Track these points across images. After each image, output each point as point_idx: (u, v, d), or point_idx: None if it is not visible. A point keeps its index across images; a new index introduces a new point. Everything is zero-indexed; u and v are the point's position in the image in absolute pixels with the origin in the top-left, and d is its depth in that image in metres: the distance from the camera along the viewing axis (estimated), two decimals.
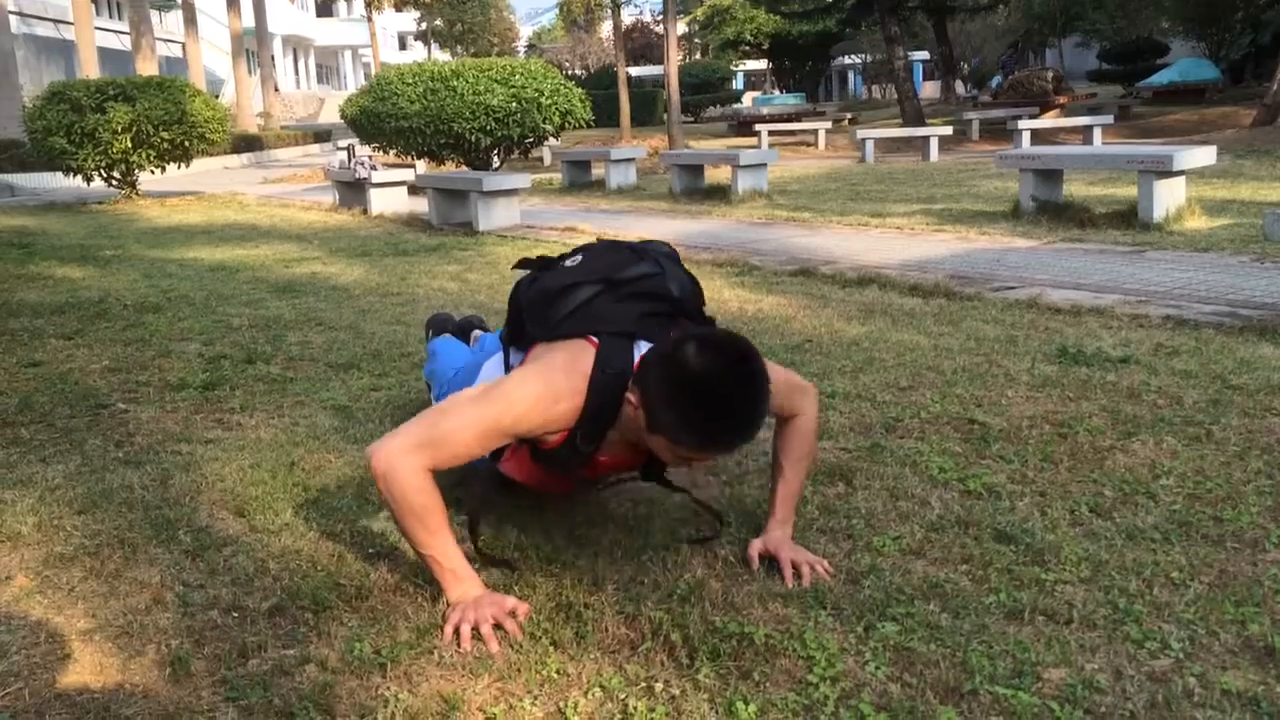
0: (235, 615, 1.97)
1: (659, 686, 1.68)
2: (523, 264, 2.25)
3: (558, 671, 1.74)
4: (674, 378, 1.79)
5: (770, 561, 2.10)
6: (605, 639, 1.84)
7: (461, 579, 1.94)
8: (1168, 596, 1.94)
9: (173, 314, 5.19)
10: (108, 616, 1.98)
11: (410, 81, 12.76)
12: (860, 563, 2.12)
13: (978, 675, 1.68)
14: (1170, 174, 7.05)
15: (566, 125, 13.39)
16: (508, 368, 2.22)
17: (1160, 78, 25.39)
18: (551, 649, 1.81)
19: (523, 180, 9.17)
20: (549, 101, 12.72)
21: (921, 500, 2.45)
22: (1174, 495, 2.43)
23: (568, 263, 2.17)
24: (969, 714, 1.59)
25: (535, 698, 1.67)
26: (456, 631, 1.85)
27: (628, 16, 44.63)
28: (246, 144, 25.28)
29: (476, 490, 2.31)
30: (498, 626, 1.86)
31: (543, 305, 2.09)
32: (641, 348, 1.98)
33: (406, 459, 1.88)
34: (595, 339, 1.98)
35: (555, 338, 2.03)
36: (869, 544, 2.21)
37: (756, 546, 2.13)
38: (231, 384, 3.76)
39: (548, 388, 1.92)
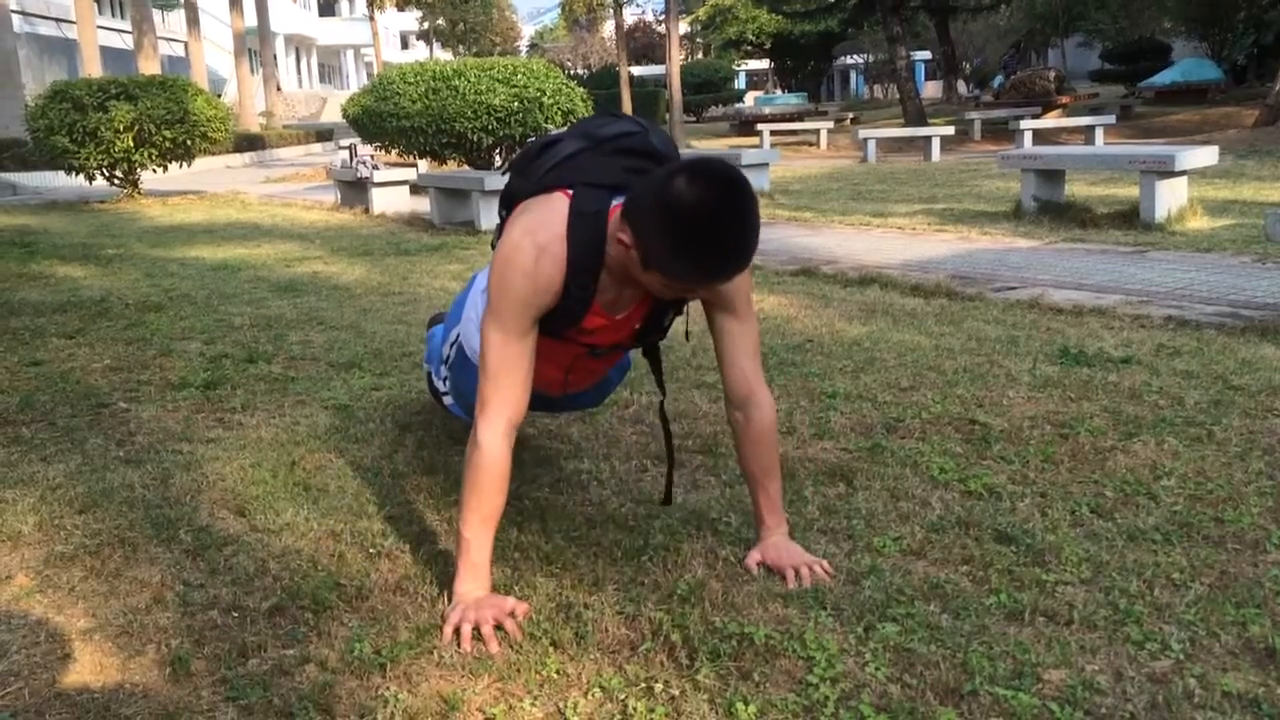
0: (235, 615, 1.97)
1: (659, 687, 1.68)
2: (509, 168, 2.25)
3: (557, 672, 1.74)
4: (666, 209, 1.76)
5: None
6: (605, 639, 1.84)
7: (476, 576, 1.94)
8: (1168, 598, 1.93)
9: (174, 313, 5.20)
10: (108, 616, 1.97)
11: (412, 81, 12.74)
12: (860, 563, 2.12)
13: (978, 676, 1.68)
14: (1172, 174, 7.05)
15: (569, 124, 13.39)
16: None
17: (1162, 78, 25.36)
18: (551, 649, 1.81)
19: None
20: (551, 101, 12.70)
21: (922, 501, 2.45)
22: (1175, 496, 2.42)
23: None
24: (969, 715, 1.59)
25: (535, 698, 1.67)
26: (456, 631, 1.85)
27: (630, 16, 44.75)
28: (249, 143, 25.28)
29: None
30: (498, 627, 1.86)
31: (526, 160, 2.07)
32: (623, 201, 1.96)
33: (487, 425, 1.93)
34: (570, 191, 1.96)
35: (536, 192, 2.01)
36: (869, 544, 2.21)
37: (755, 557, 2.12)
38: (233, 383, 3.76)
39: (526, 251, 1.90)
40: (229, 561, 2.21)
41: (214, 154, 19.40)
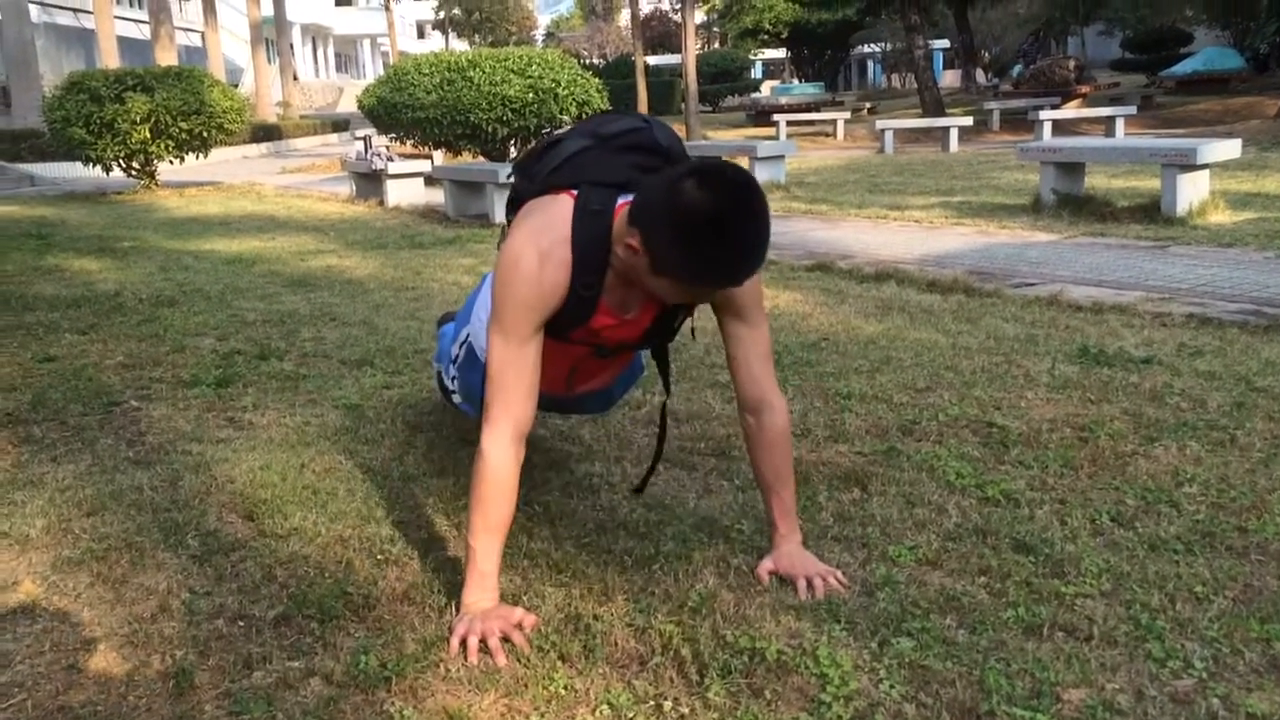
0: (241, 624, 1.95)
1: (668, 705, 1.65)
2: (518, 166, 2.23)
3: (565, 687, 1.71)
4: (677, 212, 1.73)
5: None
6: (614, 653, 1.80)
7: (484, 586, 1.92)
8: (1191, 612, 1.89)
9: (188, 308, 5.19)
10: (113, 625, 1.96)
11: (427, 72, 12.72)
12: (875, 574, 2.08)
13: (995, 695, 1.64)
14: (1194, 167, 6.96)
15: (584, 115, 13.33)
16: None
17: (1184, 67, 25.09)
18: (559, 663, 1.78)
19: None
20: (566, 92, 12.65)
21: (938, 507, 2.41)
22: (1197, 504, 2.37)
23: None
24: None
25: (542, 715, 1.64)
26: (463, 643, 1.82)
27: (646, 5, 44.51)
28: (265, 133, 25.31)
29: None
30: (505, 639, 1.83)
31: (531, 161, 2.05)
32: (629, 199, 1.93)
33: (491, 433, 1.90)
34: (575, 191, 1.94)
35: (541, 192, 1.99)
36: (884, 553, 2.17)
37: (766, 565, 2.08)
38: (244, 381, 3.74)
39: (529, 258, 1.88)
40: (236, 568, 2.19)
41: (230, 144, 19.43)
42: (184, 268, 6.66)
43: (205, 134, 13.50)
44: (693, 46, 19.15)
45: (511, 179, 2.20)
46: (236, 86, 18.30)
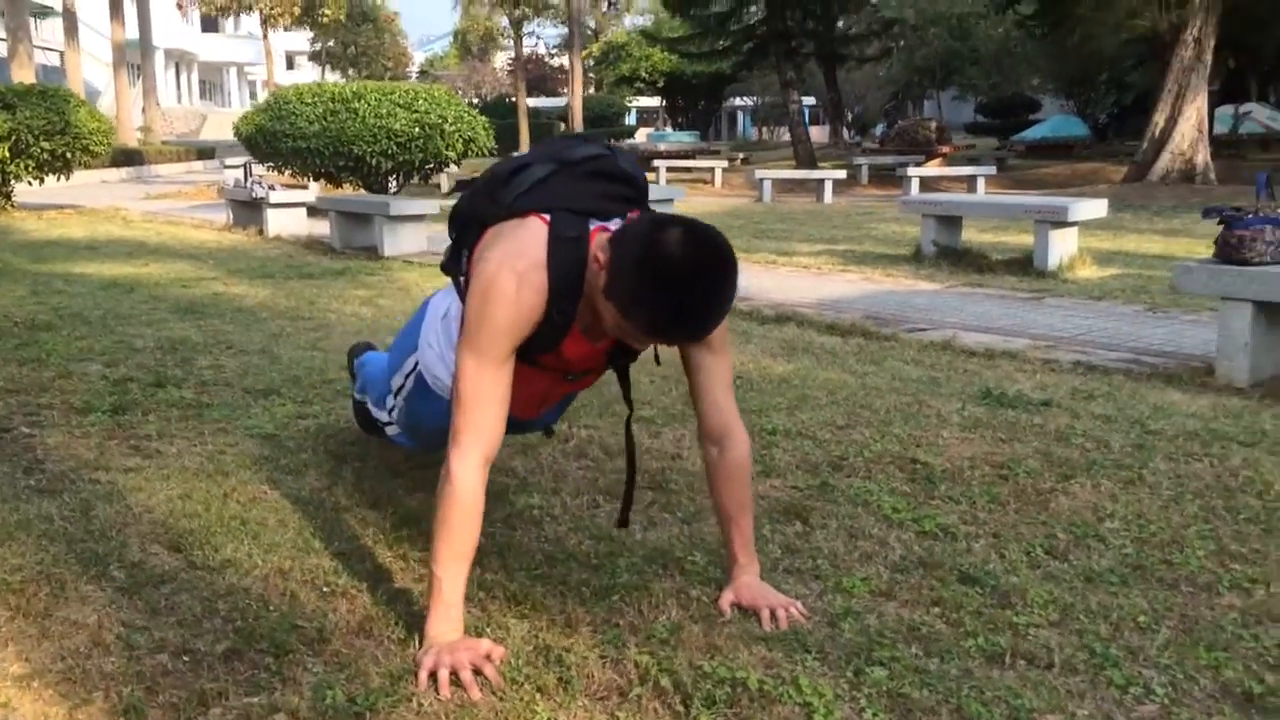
0: (186, 659, 1.84)
1: None
2: (463, 185, 2.20)
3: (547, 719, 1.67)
4: (648, 257, 1.74)
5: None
6: (591, 685, 1.77)
7: (449, 618, 1.86)
8: (1139, 641, 1.96)
9: (69, 332, 4.91)
10: (44, 660, 1.82)
11: (310, 101, 12.47)
12: (834, 605, 2.10)
13: None
14: (1065, 224, 7.34)
15: (469, 153, 13.27)
16: (459, 284, 2.14)
17: (1034, 133, 26.62)
18: (537, 695, 1.73)
19: (431, 206, 9.03)
20: (453, 128, 12.58)
21: (880, 540, 2.45)
22: (1122, 539, 2.48)
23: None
24: None
25: None
26: (433, 677, 1.76)
27: (524, 48, 44.67)
28: (126, 158, 24.34)
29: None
30: (476, 672, 1.78)
31: (495, 185, 2.02)
32: (601, 224, 1.93)
33: (460, 457, 1.86)
34: (547, 216, 1.92)
35: (507, 216, 1.96)
36: (838, 585, 2.20)
37: (728, 597, 2.08)
38: (143, 408, 3.55)
39: (506, 281, 1.85)
40: (170, 600, 2.07)
41: (90, 168, 18.58)
42: (56, 291, 6.31)
43: (69, 155, 12.89)
44: (580, 90, 19.32)
45: (457, 200, 2.17)
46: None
